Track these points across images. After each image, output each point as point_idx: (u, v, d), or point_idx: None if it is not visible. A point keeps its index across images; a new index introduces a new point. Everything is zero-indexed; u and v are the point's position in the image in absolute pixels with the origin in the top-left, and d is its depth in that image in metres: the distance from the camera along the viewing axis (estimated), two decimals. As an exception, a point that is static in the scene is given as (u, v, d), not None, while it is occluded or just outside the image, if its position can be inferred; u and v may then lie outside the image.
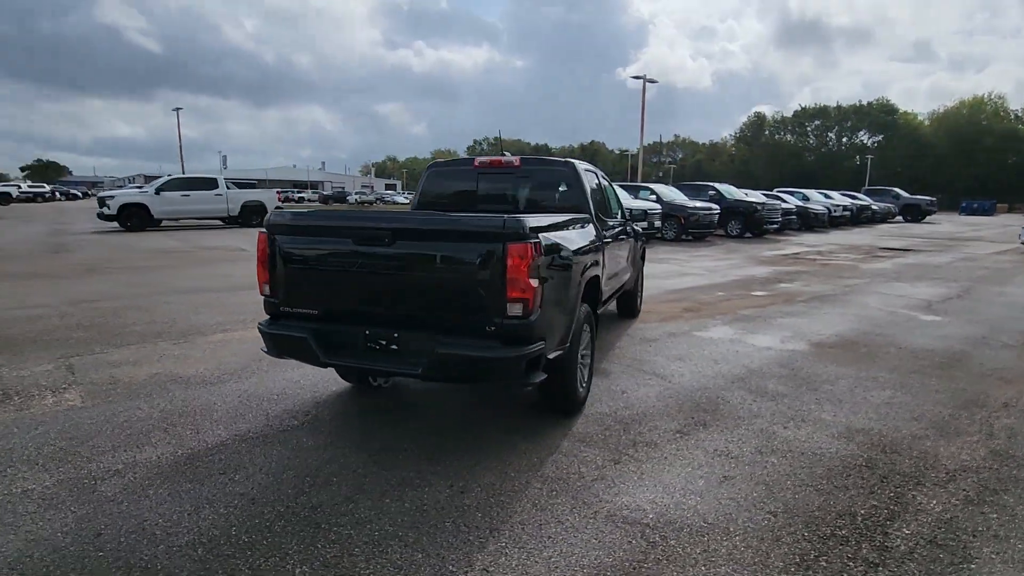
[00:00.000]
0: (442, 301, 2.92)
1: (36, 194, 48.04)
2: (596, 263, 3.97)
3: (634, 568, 2.21)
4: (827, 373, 4.69)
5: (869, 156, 59.27)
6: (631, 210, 6.25)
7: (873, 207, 26.91)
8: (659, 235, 16.72)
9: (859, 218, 25.66)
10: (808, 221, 21.89)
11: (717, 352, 5.27)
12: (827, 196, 25.42)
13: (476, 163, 4.63)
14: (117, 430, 3.42)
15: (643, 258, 6.94)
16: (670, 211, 16.74)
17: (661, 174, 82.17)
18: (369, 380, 3.84)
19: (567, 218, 3.68)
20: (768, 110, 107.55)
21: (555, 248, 3.11)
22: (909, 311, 7.23)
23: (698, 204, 17.16)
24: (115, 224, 17.88)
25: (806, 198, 24.15)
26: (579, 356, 3.61)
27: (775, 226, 19.24)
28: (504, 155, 4.48)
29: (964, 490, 2.83)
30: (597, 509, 2.61)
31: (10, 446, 3.19)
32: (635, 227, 6.44)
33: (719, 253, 14.19)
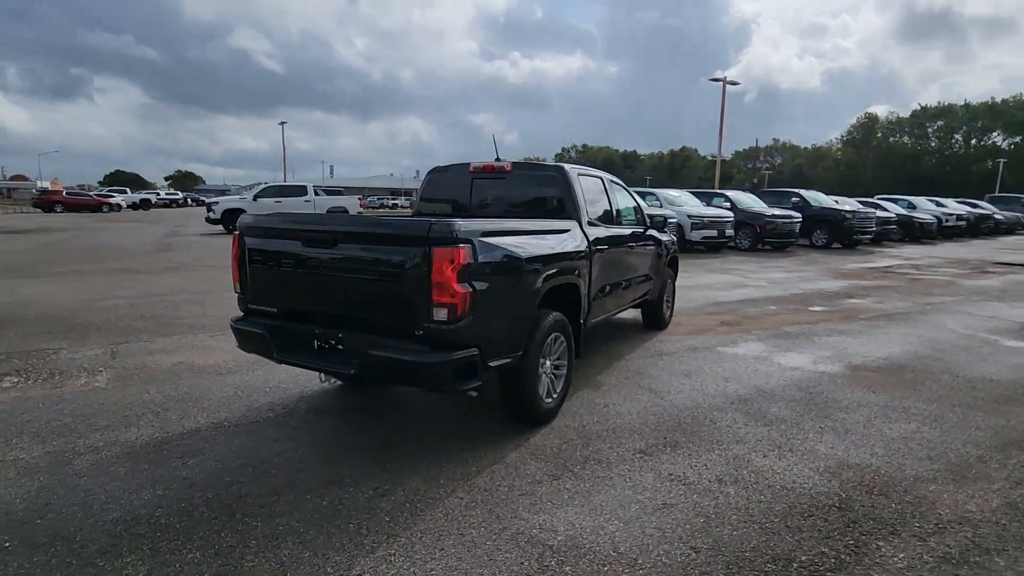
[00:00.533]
0: (378, 303, 2.95)
1: (171, 200, 54.47)
2: (572, 271, 3.82)
3: (512, 591, 2.10)
4: (849, 399, 4.19)
5: (1002, 160, 52.33)
6: (651, 216, 5.96)
7: (996, 216, 23.70)
8: (732, 244, 15.82)
9: (978, 229, 22.71)
10: (912, 231, 19.72)
11: (733, 370, 4.89)
12: (939, 204, 22.74)
13: (471, 168, 4.63)
14: (119, 411, 3.76)
15: (674, 267, 6.60)
16: (745, 219, 15.78)
17: (756, 180, 77.65)
18: (319, 378, 3.91)
19: (526, 223, 3.59)
20: (882, 110, 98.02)
21: (500, 253, 3.03)
22: (992, 335, 6.30)
23: (776, 212, 16.01)
24: (220, 227, 19.78)
25: (912, 206, 21.75)
26: (541, 365, 3.48)
27: (868, 236, 17.51)
28: (498, 160, 4.44)
29: (947, 546, 2.41)
30: (507, 525, 2.51)
31: (28, 418, 3.61)
32: (661, 235, 6.15)
33: (794, 264, 13.15)
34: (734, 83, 30.07)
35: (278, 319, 3.31)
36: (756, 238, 15.79)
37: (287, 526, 2.48)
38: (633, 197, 5.78)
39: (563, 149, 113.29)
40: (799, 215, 16.24)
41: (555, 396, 3.72)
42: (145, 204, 45.95)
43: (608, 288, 4.66)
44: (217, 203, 20.16)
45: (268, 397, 4.06)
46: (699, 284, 9.73)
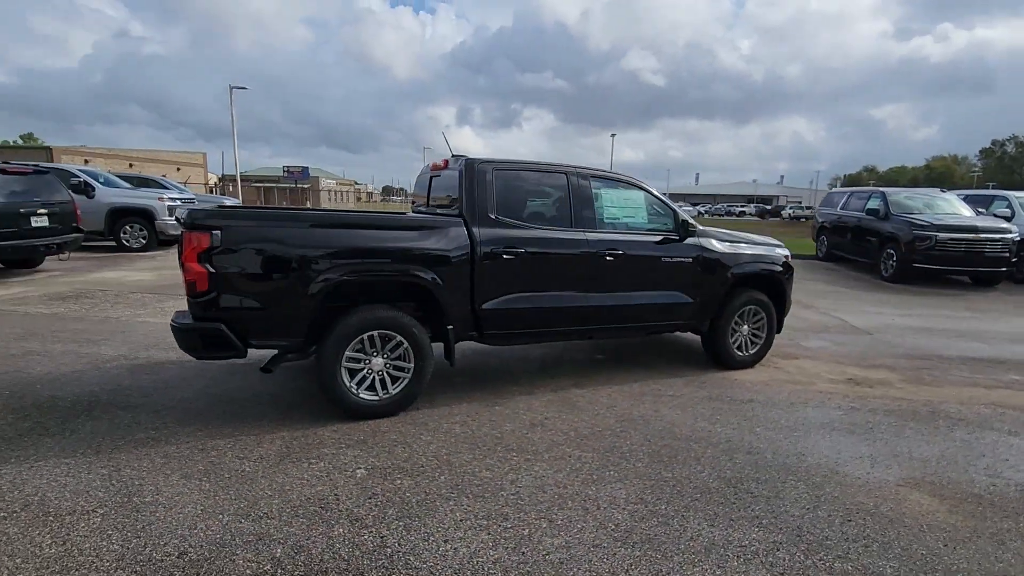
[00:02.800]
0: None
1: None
2: (406, 270, 3.63)
3: None
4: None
5: None
6: (684, 224, 4.61)
7: None
8: (1013, 273, 10.19)
9: None
10: None
11: (719, 436, 3.62)
12: None
13: (431, 166, 4.71)
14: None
15: (776, 291, 5.10)
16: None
17: None
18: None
19: (317, 216, 3.68)
20: None
21: (257, 242, 3.30)
22: None
23: None
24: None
25: None
26: (345, 357, 3.52)
27: None
28: (454, 158, 4.38)
29: None
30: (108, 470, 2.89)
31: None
32: (718, 246, 4.77)
33: None
34: None
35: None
36: None
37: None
38: (664, 202, 4.70)
39: (993, 142, 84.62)
40: None
41: (391, 392, 3.66)
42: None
43: (535, 298, 4.09)
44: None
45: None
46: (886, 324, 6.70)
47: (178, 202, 13.23)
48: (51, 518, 2.46)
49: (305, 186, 60.43)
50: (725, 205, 70.81)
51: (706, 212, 65.82)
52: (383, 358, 3.68)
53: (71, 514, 2.49)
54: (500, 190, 4.06)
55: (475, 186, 3.99)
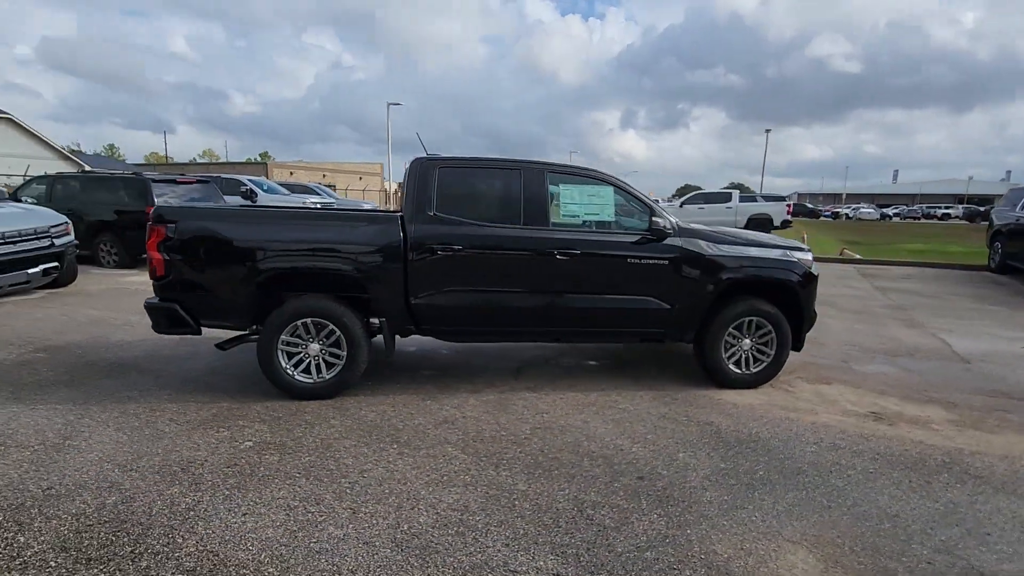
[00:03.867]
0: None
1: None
2: (334, 265, 3.85)
3: None
4: None
5: None
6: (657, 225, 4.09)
7: None
8: None
9: None
10: None
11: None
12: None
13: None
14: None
15: (788, 299, 4.41)
16: None
17: None
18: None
19: (265, 210, 3.99)
20: None
21: (204, 234, 3.78)
22: None
23: None
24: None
25: None
26: (281, 341, 3.85)
27: None
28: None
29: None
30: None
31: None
32: (718, 249, 4.23)
33: None
34: None
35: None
36: None
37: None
38: (639, 198, 4.29)
39: None
40: None
41: (325, 376, 3.93)
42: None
43: (476, 295, 4.04)
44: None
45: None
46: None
47: (318, 205, 15.22)
48: (0, 447, 3.13)
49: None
50: (923, 206, 59.78)
51: (896, 215, 56.30)
52: (319, 344, 3.95)
53: (16, 446, 3.14)
54: (443, 187, 4.08)
55: (416, 183, 4.07)
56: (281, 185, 18.17)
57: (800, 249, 4.50)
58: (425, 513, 2.60)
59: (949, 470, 3.14)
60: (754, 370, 4.40)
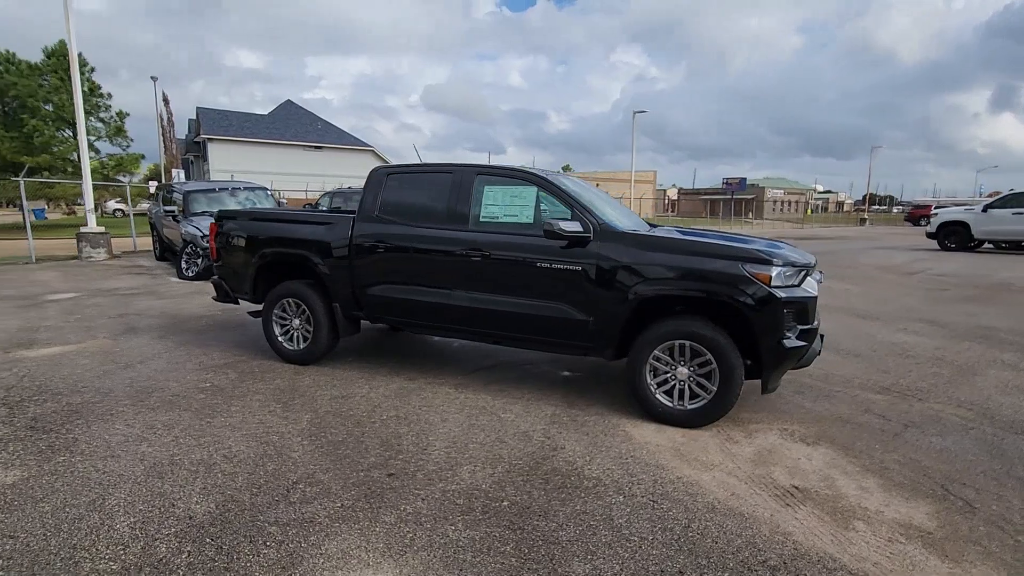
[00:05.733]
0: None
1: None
2: (302, 256, 4.71)
3: None
4: None
5: None
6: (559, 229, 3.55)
7: None
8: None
9: None
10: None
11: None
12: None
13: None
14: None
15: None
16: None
17: None
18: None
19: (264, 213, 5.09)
20: None
21: (230, 231, 5.08)
22: None
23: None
24: (933, 243, 17.29)
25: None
26: (275, 316, 4.93)
27: None
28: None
29: None
30: (164, 356, 5.10)
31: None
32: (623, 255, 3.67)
33: None
34: None
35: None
36: None
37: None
38: (568, 199, 3.97)
39: None
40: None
41: (297, 346, 4.88)
42: None
43: (404, 290, 4.39)
44: (936, 215, 17.39)
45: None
46: None
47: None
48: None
49: (748, 197, 59.77)
50: None
51: None
52: (299, 320, 4.89)
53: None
54: (390, 191, 4.55)
55: (368, 188, 4.64)
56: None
57: (766, 262, 3.46)
58: (126, 463, 3.09)
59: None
60: (689, 406, 3.61)
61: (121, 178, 31.85)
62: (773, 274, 3.42)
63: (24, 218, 14.24)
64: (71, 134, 31.41)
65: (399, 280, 4.46)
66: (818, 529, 2.53)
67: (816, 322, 3.67)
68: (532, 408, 3.95)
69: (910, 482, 2.97)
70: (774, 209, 65.67)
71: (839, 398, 4.22)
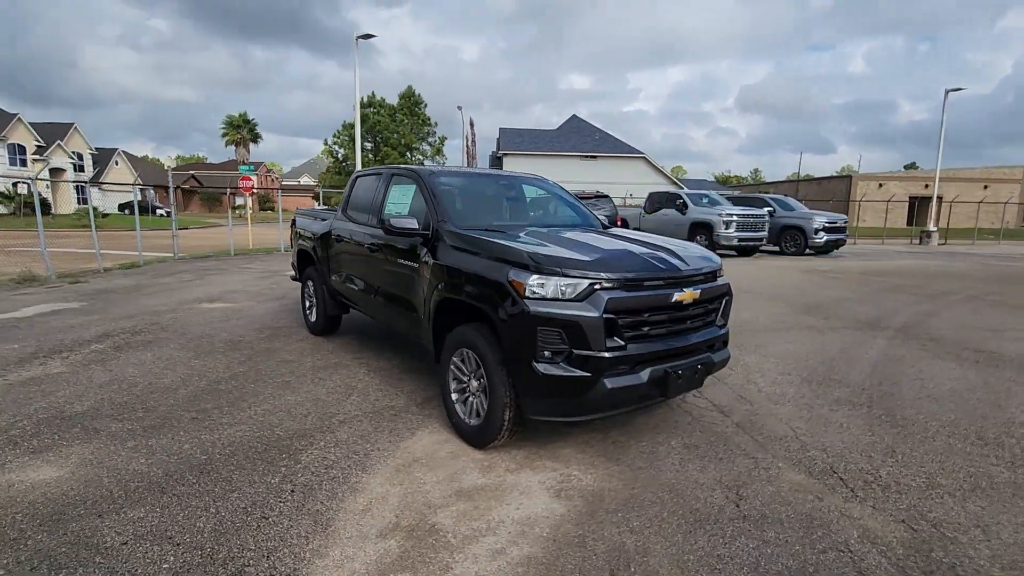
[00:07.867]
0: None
1: None
2: (308, 245, 5.60)
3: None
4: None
5: None
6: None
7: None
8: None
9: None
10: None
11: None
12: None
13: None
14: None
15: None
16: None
17: None
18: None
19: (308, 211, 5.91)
20: None
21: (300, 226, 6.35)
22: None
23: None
24: None
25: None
26: (305, 293, 6.02)
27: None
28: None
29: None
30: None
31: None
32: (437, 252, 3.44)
33: None
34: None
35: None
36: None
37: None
38: (429, 195, 3.92)
39: None
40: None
41: (316, 315, 5.87)
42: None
43: (353, 279, 4.89)
44: None
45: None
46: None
47: (734, 217, 14.90)
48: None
49: None
50: None
51: None
52: (311, 300, 5.88)
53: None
54: (357, 191, 5.12)
55: (347, 188, 5.27)
56: (732, 199, 17.89)
57: (525, 267, 2.79)
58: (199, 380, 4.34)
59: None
60: (472, 423, 3.18)
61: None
62: (528, 282, 2.77)
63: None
64: (409, 156, 40.53)
65: (347, 270, 5.04)
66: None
67: (604, 352, 2.75)
68: (381, 405, 4.00)
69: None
70: None
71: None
